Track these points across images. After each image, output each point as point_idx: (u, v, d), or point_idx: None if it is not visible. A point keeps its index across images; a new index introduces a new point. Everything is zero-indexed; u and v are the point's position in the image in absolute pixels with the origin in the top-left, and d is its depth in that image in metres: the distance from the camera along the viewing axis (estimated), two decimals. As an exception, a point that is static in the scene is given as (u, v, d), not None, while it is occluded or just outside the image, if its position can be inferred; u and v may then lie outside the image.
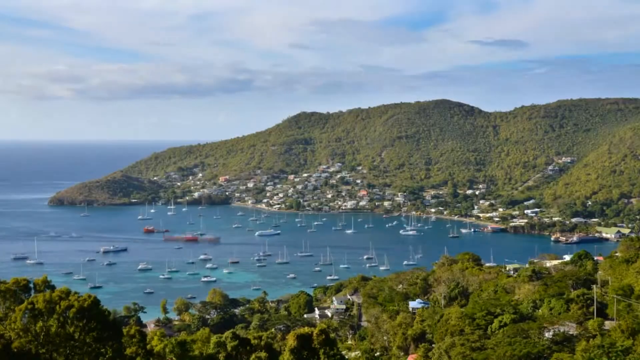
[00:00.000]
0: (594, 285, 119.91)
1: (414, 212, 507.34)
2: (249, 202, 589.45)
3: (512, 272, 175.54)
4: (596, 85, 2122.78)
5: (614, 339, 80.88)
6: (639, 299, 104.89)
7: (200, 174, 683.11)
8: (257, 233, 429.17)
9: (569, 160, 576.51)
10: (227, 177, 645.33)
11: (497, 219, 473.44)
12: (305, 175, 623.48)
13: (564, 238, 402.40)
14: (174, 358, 73.84)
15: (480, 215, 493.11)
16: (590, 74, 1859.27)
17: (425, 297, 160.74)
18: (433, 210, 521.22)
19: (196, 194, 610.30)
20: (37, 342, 49.17)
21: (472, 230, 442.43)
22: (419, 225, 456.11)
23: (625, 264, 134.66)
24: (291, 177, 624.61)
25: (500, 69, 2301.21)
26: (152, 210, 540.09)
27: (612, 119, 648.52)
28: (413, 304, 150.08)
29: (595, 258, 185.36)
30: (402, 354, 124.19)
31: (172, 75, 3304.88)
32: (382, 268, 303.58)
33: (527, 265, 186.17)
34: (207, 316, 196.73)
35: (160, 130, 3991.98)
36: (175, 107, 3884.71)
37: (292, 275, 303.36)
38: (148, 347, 64.70)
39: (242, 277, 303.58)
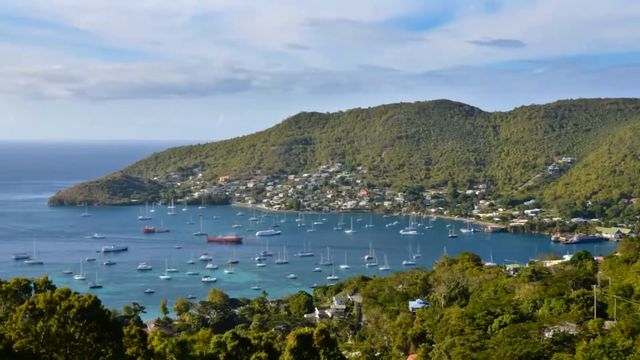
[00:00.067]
0: (594, 285, 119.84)
1: (413, 212, 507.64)
2: (249, 202, 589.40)
3: (512, 272, 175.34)
4: (596, 85, 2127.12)
5: (614, 339, 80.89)
6: (639, 299, 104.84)
7: (200, 174, 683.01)
8: (257, 233, 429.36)
9: (569, 160, 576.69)
10: (227, 177, 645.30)
11: (497, 219, 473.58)
12: (305, 175, 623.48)
13: (564, 238, 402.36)
14: (174, 358, 73.80)
15: (480, 215, 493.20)
16: (590, 74, 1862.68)
17: (425, 297, 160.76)
18: (433, 210, 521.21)
19: (196, 194, 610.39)
20: (37, 342, 49.19)
21: (472, 230, 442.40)
22: (419, 225, 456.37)
23: (625, 264, 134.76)
24: (291, 177, 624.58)
25: (500, 69, 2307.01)
26: (152, 210, 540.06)
27: (612, 119, 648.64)
28: (413, 304, 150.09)
29: (595, 258, 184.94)
30: (402, 354, 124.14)
31: (170, 75, 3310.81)
32: (382, 268, 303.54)
33: (527, 265, 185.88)
34: (207, 316, 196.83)
35: (159, 130, 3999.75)
36: (174, 106, 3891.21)
37: (292, 275, 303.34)
38: (148, 347, 64.74)
39: (242, 277, 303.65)
